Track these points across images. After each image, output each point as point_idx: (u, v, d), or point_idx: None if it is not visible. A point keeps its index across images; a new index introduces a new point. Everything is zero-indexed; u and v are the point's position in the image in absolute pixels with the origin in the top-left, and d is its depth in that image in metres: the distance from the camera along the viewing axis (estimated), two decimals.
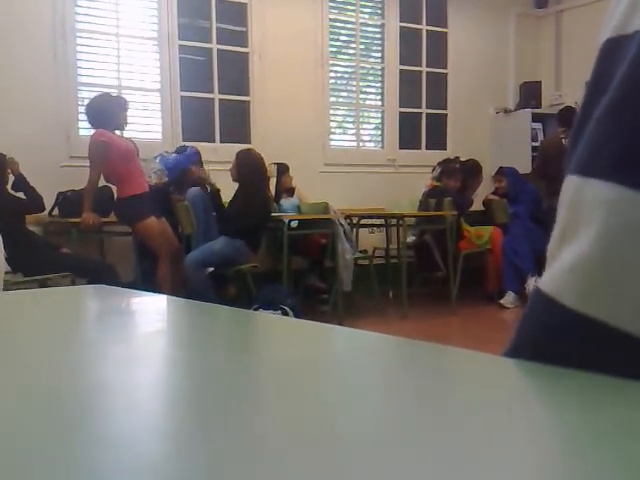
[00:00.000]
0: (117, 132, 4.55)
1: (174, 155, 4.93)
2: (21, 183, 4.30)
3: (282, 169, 5.33)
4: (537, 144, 6.52)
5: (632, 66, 0.34)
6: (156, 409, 0.31)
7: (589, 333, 0.34)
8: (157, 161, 4.86)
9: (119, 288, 0.78)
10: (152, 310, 0.69)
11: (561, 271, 0.36)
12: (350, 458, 0.24)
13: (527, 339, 0.39)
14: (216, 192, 4.71)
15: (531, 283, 5.38)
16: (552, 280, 0.37)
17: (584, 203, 0.35)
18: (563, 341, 0.36)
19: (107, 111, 4.41)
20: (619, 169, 0.34)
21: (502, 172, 6.05)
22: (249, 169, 4.54)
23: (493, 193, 6.13)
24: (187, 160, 4.83)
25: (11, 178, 4.31)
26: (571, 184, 0.37)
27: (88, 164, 4.42)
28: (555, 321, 0.37)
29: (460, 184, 5.76)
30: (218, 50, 5.66)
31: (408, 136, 6.67)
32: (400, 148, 6.61)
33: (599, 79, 0.38)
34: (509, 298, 5.43)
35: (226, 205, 4.70)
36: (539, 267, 5.49)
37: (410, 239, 5.70)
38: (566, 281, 0.36)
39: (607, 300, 0.34)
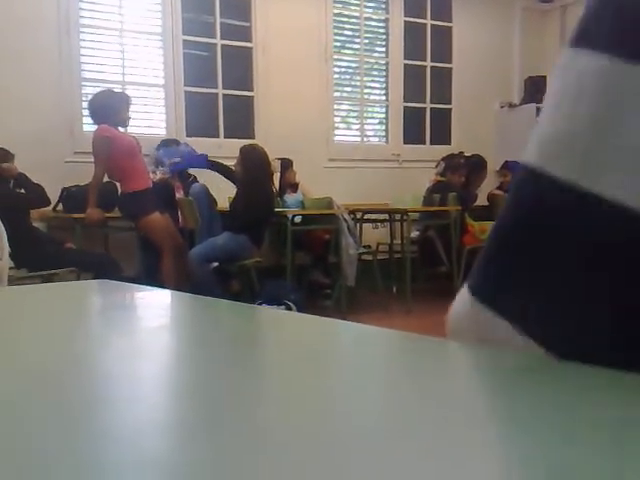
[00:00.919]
0: (120, 129, 4.56)
1: (185, 148, 4.94)
2: (23, 181, 4.30)
3: (286, 164, 5.33)
4: None
5: None
6: (160, 402, 0.31)
7: (579, 204, 0.34)
8: (161, 153, 4.87)
9: (123, 283, 0.78)
10: (156, 305, 0.69)
11: (550, 142, 0.36)
12: (353, 452, 0.24)
13: (516, 216, 0.39)
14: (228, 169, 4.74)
15: None
16: (540, 152, 0.37)
17: (575, 73, 0.36)
18: (552, 212, 0.36)
19: (110, 107, 4.41)
20: (608, 40, 0.34)
21: (507, 166, 6.04)
22: (253, 165, 4.54)
23: (498, 188, 6.12)
24: (202, 162, 4.84)
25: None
26: (564, 55, 0.38)
27: (92, 160, 4.42)
28: (544, 193, 0.36)
29: (464, 179, 5.75)
30: (222, 45, 5.66)
31: (412, 131, 6.66)
32: (404, 143, 6.60)
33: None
34: None
35: (229, 201, 4.70)
36: None
37: (414, 234, 5.69)
38: (556, 152, 0.36)
39: (600, 171, 0.34)
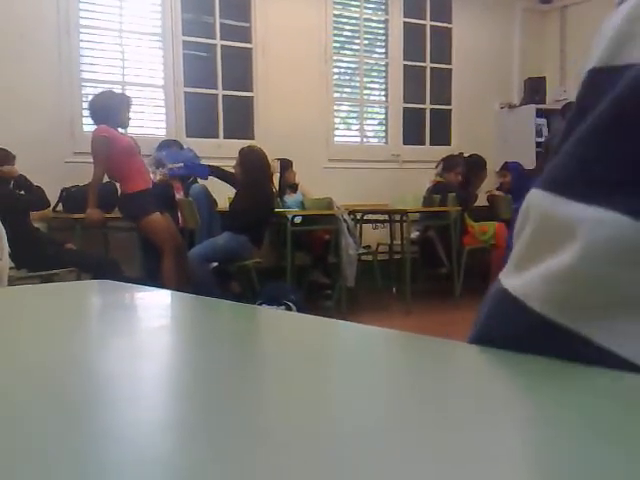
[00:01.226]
0: (120, 130, 4.56)
1: (189, 152, 4.94)
2: (23, 183, 4.30)
3: (285, 165, 5.33)
4: (541, 139, 6.51)
5: (622, 95, 0.35)
6: (160, 402, 0.31)
7: (558, 339, 0.35)
8: (163, 155, 4.86)
9: (123, 283, 0.78)
10: (156, 305, 0.69)
11: (537, 279, 0.37)
12: (353, 452, 0.24)
13: (490, 337, 0.40)
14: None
15: None
16: (524, 286, 0.38)
17: (562, 220, 0.36)
18: (527, 343, 0.37)
19: (110, 108, 4.41)
20: (601, 192, 0.34)
21: (507, 167, 6.04)
22: (252, 166, 4.54)
23: (498, 188, 6.12)
24: (204, 174, 4.85)
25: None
26: (543, 200, 0.38)
27: (92, 160, 4.42)
28: (523, 324, 0.38)
29: (463, 178, 5.75)
30: (222, 46, 5.66)
31: (412, 132, 6.66)
32: (404, 144, 6.60)
33: (581, 105, 0.39)
34: None
35: (229, 201, 4.70)
36: None
37: (414, 235, 5.69)
38: (542, 290, 0.37)
39: (583, 312, 0.35)
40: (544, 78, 7.09)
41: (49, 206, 4.48)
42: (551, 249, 0.37)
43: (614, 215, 0.33)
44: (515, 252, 0.41)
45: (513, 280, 0.40)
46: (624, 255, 0.33)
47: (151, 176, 4.67)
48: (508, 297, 0.39)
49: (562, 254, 0.36)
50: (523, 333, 0.38)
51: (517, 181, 5.90)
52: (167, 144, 5.09)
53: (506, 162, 6.15)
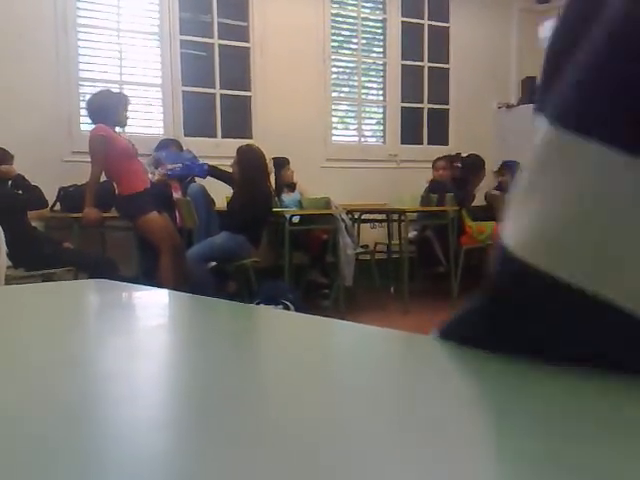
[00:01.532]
0: (117, 129, 4.55)
1: (188, 154, 4.94)
2: (20, 183, 4.30)
3: (280, 163, 5.32)
4: None
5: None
6: (157, 401, 0.31)
7: (543, 286, 0.34)
8: (163, 156, 4.86)
9: (120, 282, 0.78)
10: (153, 304, 0.69)
11: (527, 224, 0.35)
12: (351, 451, 0.24)
13: (503, 300, 0.38)
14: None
15: None
16: (516, 238, 0.36)
17: (561, 155, 0.34)
18: (518, 291, 0.36)
19: (108, 107, 4.41)
20: (610, 130, 0.32)
21: (505, 166, 6.04)
22: (250, 165, 4.54)
23: (496, 187, 6.12)
24: (202, 173, 4.85)
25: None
26: (546, 133, 0.35)
27: (90, 159, 4.42)
28: (511, 270, 0.36)
29: (459, 177, 5.75)
30: (219, 45, 5.66)
31: (410, 131, 6.66)
32: (402, 143, 6.61)
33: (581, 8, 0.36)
34: None
35: (227, 201, 4.70)
36: None
37: (412, 234, 5.70)
38: (531, 240, 0.35)
39: (571, 258, 0.33)
40: None
41: (47, 206, 4.48)
42: (536, 188, 0.35)
43: (621, 155, 0.31)
44: (512, 196, 0.38)
45: (507, 231, 0.37)
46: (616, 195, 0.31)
47: (149, 176, 4.66)
48: (505, 252, 0.37)
49: (553, 195, 0.34)
50: (511, 278, 0.36)
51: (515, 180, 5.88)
52: (166, 144, 5.09)
53: (504, 161, 6.16)
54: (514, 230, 0.37)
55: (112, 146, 4.34)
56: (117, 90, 4.87)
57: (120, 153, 4.36)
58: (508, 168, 6.04)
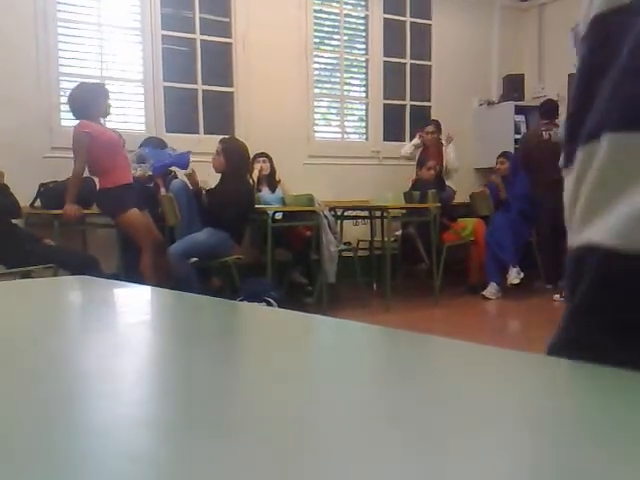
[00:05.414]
0: (102, 120, 4.51)
1: (172, 152, 4.90)
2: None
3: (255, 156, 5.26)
4: (519, 136, 6.55)
5: None
6: (140, 398, 0.31)
7: None
8: (146, 152, 4.82)
9: (102, 279, 0.78)
10: (136, 301, 0.69)
11: (624, 220, 0.37)
12: (335, 446, 0.24)
13: (588, 300, 0.40)
14: (199, 191, 4.66)
15: (512, 274, 5.43)
16: (610, 232, 0.38)
17: (633, 155, 0.37)
18: (627, 290, 0.37)
19: (88, 100, 4.37)
20: None
21: (506, 155, 6.04)
22: (235, 155, 4.52)
23: (494, 173, 6.06)
24: (184, 163, 4.81)
25: None
26: (605, 142, 0.38)
27: (71, 155, 4.38)
28: (616, 271, 0.37)
29: (435, 174, 5.76)
30: (201, 40, 5.63)
31: (392, 128, 6.67)
32: (384, 140, 6.62)
33: (599, 50, 0.40)
34: (491, 289, 5.47)
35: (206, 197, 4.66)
36: (520, 259, 5.54)
37: (398, 232, 5.73)
38: (632, 229, 0.37)
39: None
40: (522, 75, 7.14)
41: (19, 217, 4.38)
42: (628, 187, 0.37)
43: None
44: (578, 208, 0.41)
45: (590, 231, 0.40)
46: None
47: (132, 172, 4.62)
48: (592, 250, 0.39)
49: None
50: (618, 280, 0.37)
51: (512, 171, 5.89)
52: (151, 142, 5.05)
53: (505, 151, 6.16)
54: (604, 232, 0.39)
55: (97, 142, 4.30)
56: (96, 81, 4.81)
57: (105, 147, 4.32)
58: (509, 157, 6.02)
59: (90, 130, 4.30)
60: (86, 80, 4.79)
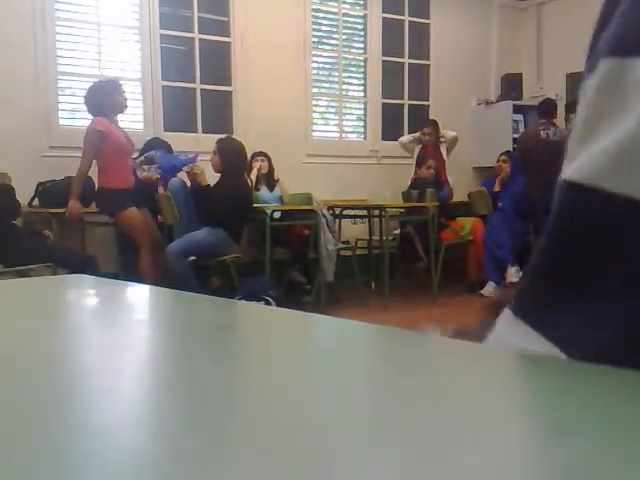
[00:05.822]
0: (115, 118, 4.49)
1: (183, 157, 4.87)
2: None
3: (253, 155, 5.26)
4: (518, 135, 6.56)
5: None
6: (138, 396, 0.31)
7: (635, 215, 0.32)
8: (158, 155, 4.78)
9: (100, 278, 0.78)
10: (134, 299, 0.69)
11: (600, 155, 0.34)
12: (331, 446, 0.24)
13: (564, 240, 0.36)
14: (199, 188, 4.65)
15: (510, 273, 5.44)
16: (588, 167, 0.35)
17: (627, 83, 0.34)
18: (607, 229, 0.34)
19: (102, 97, 4.36)
20: None
21: (508, 154, 6.04)
22: (233, 154, 4.52)
23: (496, 168, 6.06)
24: (190, 162, 4.79)
25: None
26: (603, 67, 0.35)
27: (69, 154, 4.37)
28: (596, 209, 0.34)
29: (435, 172, 5.77)
30: (200, 40, 5.63)
31: (390, 127, 6.68)
32: (382, 139, 6.62)
33: None
34: (489, 288, 5.47)
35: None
36: (518, 258, 5.55)
37: (397, 231, 5.74)
38: (608, 164, 0.33)
39: None
40: (521, 75, 7.15)
41: (15, 217, 4.37)
42: (616, 116, 0.34)
43: None
44: (572, 136, 0.37)
45: (572, 166, 0.36)
46: None
47: (138, 173, 4.60)
48: (569, 189, 0.36)
49: (628, 120, 0.33)
50: (598, 219, 0.34)
51: (512, 170, 5.90)
52: (161, 145, 5.00)
53: (507, 150, 6.16)
54: (579, 165, 0.35)
55: (108, 141, 4.30)
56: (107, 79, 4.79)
57: (115, 148, 4.33)
58: (511, 155, 6.02)
59: (103, 128, 4.30)
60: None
